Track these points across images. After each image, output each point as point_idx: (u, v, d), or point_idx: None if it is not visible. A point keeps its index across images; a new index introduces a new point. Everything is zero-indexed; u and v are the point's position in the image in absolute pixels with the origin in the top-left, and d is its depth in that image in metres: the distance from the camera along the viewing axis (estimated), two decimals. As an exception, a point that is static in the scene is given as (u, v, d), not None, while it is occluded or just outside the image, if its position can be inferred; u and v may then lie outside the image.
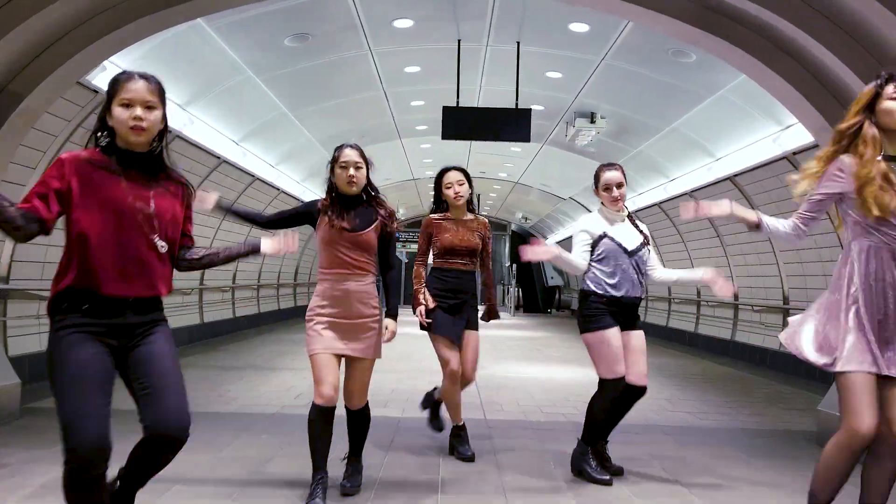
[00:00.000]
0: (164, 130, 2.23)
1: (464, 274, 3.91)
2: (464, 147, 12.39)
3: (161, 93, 2.18)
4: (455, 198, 3.90)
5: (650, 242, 3.66)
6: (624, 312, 3.54)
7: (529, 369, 8.10)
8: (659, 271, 3.69)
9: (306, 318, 3.13)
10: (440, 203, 4.00)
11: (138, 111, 2.09)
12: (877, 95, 2.38)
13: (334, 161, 3.13)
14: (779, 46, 4.72)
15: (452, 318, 3.85)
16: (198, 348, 9.06)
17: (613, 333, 3.46)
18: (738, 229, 9.62)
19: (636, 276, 3.54)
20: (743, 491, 3.50)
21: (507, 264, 24.19)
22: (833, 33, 4.35)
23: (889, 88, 2.34)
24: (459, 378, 3.86)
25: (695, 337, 11.60)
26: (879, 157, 2.35)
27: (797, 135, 6.86)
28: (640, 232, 3.63)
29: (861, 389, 2.28)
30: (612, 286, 3.49)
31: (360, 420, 3.23)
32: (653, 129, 9.23)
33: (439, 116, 7.82)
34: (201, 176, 8.43)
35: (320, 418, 3.01)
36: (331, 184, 3.15)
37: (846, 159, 2.40)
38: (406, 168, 14.76)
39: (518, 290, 23.06)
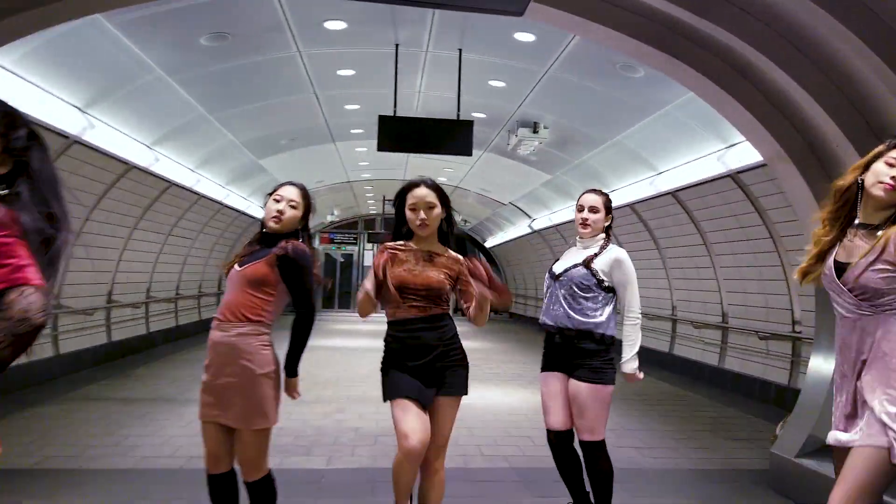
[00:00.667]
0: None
1: (425, 323, 2.78)
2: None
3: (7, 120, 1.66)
4: (420, 225, 2.76)
5: (594, 264, 3.26)
6: (564, 351, 3.20)
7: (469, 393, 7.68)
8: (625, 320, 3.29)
9: None
10: (402, 225, 2.85)
11: None
12: (877, 156, 2.17)
13: (270, 193, 2.82)
14: (735, 68, 4.47)
15: (416, 380, 2.77)
16: (103, 374, 8.05)
17: (544, 378, 3.29)
18: (678, 244, 9.53)
19: (571, 301, 3.19)
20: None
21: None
22: (792, 56, 4.11)
23: (892, 153, 2.13)
24: (418, 458, 2.69)
25: (633, 348, 11.51)
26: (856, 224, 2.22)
27: (742, 153, 6.73)
28: (593, 257, 3.28)
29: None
30: (546, 314, 3.29)
31: (257, 495, 2.74)
32: (596, 140, 9.00)
33: (375, 121, 7.26)
34: (107, 184, 7.60)
35: (210, 485, 2.78)
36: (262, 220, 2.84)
37: None
38: (341, 170, 14.13)
39: None
